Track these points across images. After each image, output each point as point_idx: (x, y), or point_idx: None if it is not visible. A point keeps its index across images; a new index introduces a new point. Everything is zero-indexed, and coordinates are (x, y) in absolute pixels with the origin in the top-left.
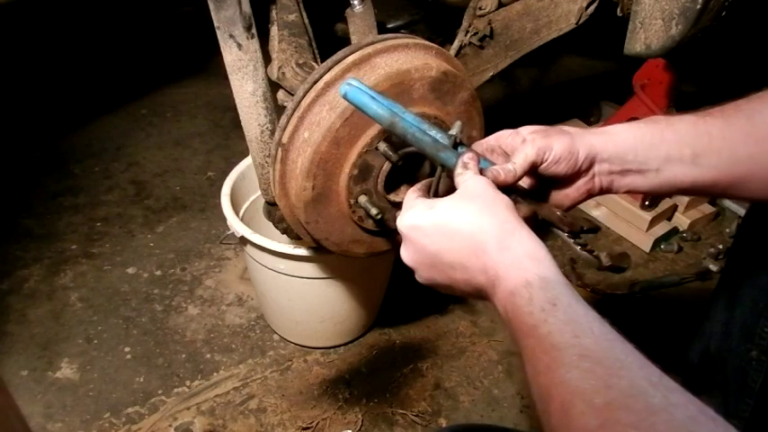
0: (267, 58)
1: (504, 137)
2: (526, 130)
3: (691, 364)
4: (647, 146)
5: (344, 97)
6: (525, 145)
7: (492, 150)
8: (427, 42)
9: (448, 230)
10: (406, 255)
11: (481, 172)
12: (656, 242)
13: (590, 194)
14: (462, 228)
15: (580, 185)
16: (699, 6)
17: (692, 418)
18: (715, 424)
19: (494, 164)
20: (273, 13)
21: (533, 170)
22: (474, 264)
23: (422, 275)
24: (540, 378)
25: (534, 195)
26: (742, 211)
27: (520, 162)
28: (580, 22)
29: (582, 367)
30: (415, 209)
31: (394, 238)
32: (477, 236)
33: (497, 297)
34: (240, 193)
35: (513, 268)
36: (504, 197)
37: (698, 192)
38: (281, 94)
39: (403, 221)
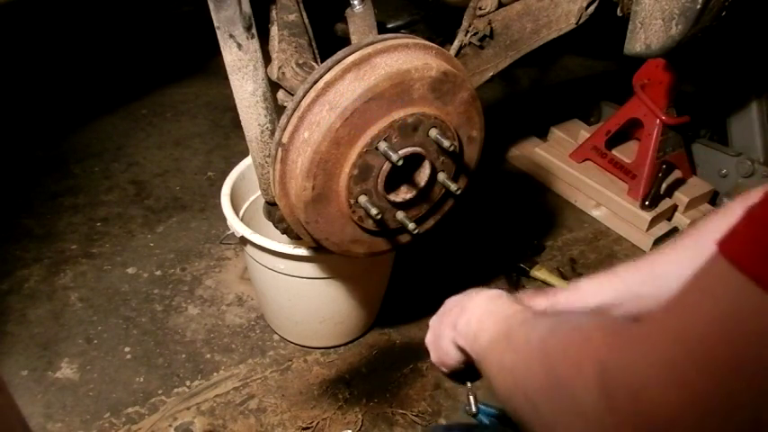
0: (267, 58)
1: None
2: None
3: None
4: None
5: None
6: None
7: None
8: (427, 42)
9: None
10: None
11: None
12: (657, 242)
13: None
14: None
15: None
16: (699, 6)
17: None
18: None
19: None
20: (273, 13)
21: None
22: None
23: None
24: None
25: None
26: None
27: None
28: (580, 22)
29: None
30: None
31: (394, 238)
32: None
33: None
34: (240, 193)
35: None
36: None
37: None
38: (281, 94)
39: None
